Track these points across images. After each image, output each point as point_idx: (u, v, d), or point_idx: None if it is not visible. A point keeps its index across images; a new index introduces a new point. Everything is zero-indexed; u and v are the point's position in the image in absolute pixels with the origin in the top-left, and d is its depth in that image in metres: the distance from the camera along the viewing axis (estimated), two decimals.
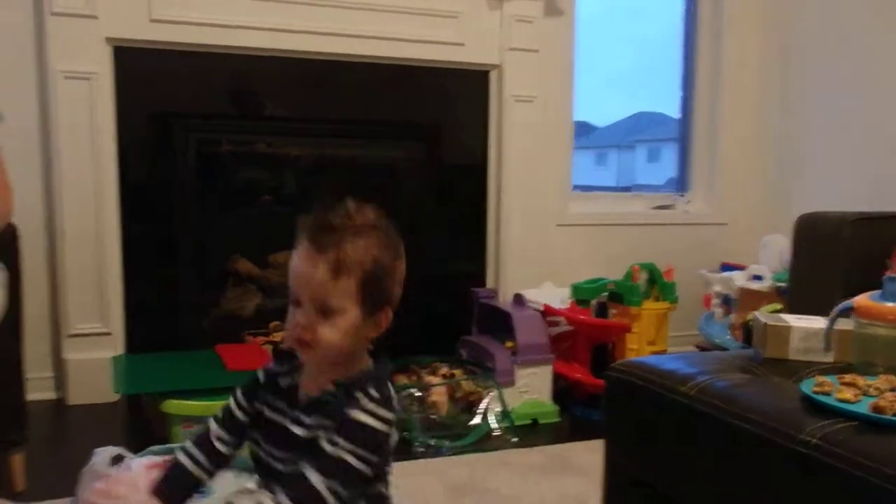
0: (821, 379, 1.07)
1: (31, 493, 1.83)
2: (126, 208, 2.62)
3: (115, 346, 2.57)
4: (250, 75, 2.82)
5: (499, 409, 2.49)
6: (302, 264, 1.23)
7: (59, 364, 2.57)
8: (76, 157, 2.50)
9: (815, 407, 1.00)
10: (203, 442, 1.30)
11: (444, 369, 2.59)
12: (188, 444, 1.30)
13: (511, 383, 2.59)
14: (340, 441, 1.17)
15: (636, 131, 7.57)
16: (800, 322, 1.26)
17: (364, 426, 1.18)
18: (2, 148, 1.73)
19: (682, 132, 3.88)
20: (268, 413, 1.27)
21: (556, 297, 2.93)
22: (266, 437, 1.27)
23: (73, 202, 2.51)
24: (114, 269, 2.59)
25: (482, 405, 2.48)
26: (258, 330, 2.71)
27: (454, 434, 2.37)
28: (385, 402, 1.22)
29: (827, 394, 1.03)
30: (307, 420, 1.23)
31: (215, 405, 2.04)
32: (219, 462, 1.30)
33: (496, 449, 2.32)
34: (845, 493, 0.86)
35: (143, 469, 1.70)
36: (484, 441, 2.37)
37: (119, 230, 2.60)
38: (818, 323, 1.26)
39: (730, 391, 1.06)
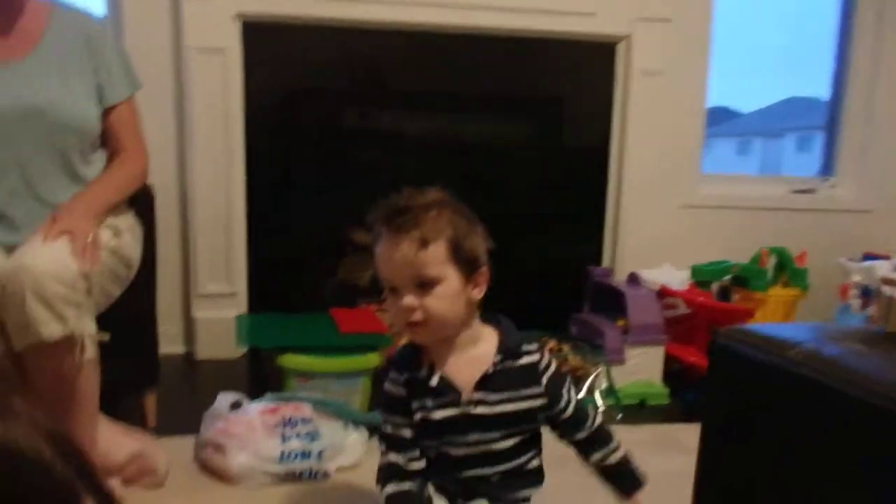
0: None
1: (162, 429, 2.03)
2: (252, 177, 2.81)
3: (239, 306, 2.78)
4: (374, 49, 2.91)
5: (605, 385, 2.55)
6: (387, 250, 1.30)
7: (188, 321, 2.81)
8: (208, 127, 2.70)
9: None
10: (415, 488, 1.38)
11: (553, 344, 2.67)
12: (403, 477, 1.38)
13: (621, 362, 2.61)
14: (567, 393, 1.40)
15: (785, 118, 7.18)
16: None
17: (559, 372, 1.42)
18: (139, 114, 1.98)
19: (832, 113, 3.72)
20: (438, 414, 1.35)
21: (675, 278, 2.92)
22: (446, 430, 1.35)
23: (205, 171, 2.72)
24: (240, 235, 2.79)
25: (588, 381, 2.55)
26: (372, 299, 2.89)
27: None
28: (534, 342, 1.42)
29: None
30: (494, 397, 1.35)
31: (328, 362, 2.25)
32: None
33: None
34: None
35: (257, 413, 1.91)
36: None
37: (245, 198, 2.79)
38: None
39: (840, 358, 1.00)
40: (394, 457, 1.38)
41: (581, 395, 2.49)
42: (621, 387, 2.57)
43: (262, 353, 2.50)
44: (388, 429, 1.39)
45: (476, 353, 1.39)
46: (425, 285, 1.30)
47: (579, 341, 2.70)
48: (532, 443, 1.43)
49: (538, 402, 1.38)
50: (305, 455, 1.83)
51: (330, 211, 3.01)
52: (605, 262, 3.25)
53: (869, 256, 3.21)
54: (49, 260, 1.54)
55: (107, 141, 1.88)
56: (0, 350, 1.57)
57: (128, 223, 1.87)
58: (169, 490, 1.75)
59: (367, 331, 2.37)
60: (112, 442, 1.74)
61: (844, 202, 3.54)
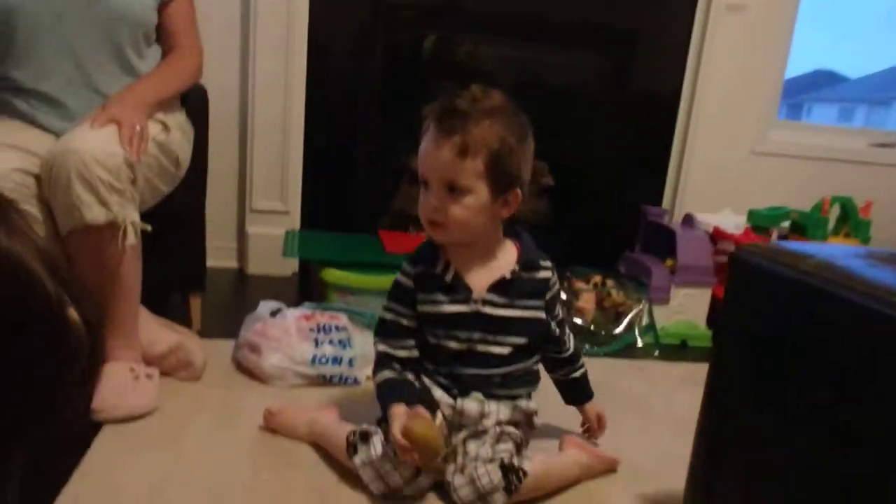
0: None
1: (206, 332, 2.10)
2: (312, 96, 2.81)
3: (292, 224, 2.83)
4: None
5: (646, 322, 2.52)
6: (429, 147, 1.34)
7: (241, 236, 2.88)
8: (271, 45, 2.70)
9: None
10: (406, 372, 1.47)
11: (597, 279, 2.65)
12: (390, 361, 1.47)
13: (665, 301, 2.57)
14: (559, 310, 1.55)
15: (893, 85, 6.74)
16: None
17: (559, 288, 1.56)
18: (195, 12, 1.98)
19: None
20: (449, 308, 1.43)
21: (732, 223, 2.86)
22: (453, 323, 1.44)
23: (265, 89, 2.74)
24: (296, 154, 2.82)
25: (629, 317, 2.53)
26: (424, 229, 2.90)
27: (598, 342, 2.43)
28: (549, 259, 1.52)
29: None
30: (502, 300, 1.44)
31: (369, 279, 2.28)
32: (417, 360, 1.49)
33: (636, 358, 2.35)
34: None
35: (294, 318, 1.96)
36: (626, 351, 2.40)
37: (304, 118, 2.81)
38: None
39: (849, 268, 0.98)
40: (387, 345, 1.47)
41: (620, 329, 2.48)
42: (664, 326, 2.54)
43: (310, 271, 2.56)
44: (388, 315, 1.47)
45: (494, 261, 1.46)
46: (454, 191, 1.34)
47: (625, 278, 2.68)
48: (530, 351, 1.51)
49: (539, 314, 1.49)
50: (337, 361, 1.87)
51: (392, 137, 3.01)
52: (666, 203, 3.19)
53: None
54: (95, 145, 1.59)
55: (162, 36, 1.92)
56: (47, 232, 1.64)
57: (178, 121, 1.91)
58: (205, 383, 1.82)
59: (410, 252, 2.39)
60: (154, 333, 1.81)
61: None
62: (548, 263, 1.52)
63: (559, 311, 1.57)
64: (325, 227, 2.79)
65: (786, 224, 2.79)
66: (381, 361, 1.48)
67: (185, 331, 1.90)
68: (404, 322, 1.47)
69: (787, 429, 1.05)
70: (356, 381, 1.88)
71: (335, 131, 2.93)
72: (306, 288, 2.49)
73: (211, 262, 2.79)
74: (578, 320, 2.47)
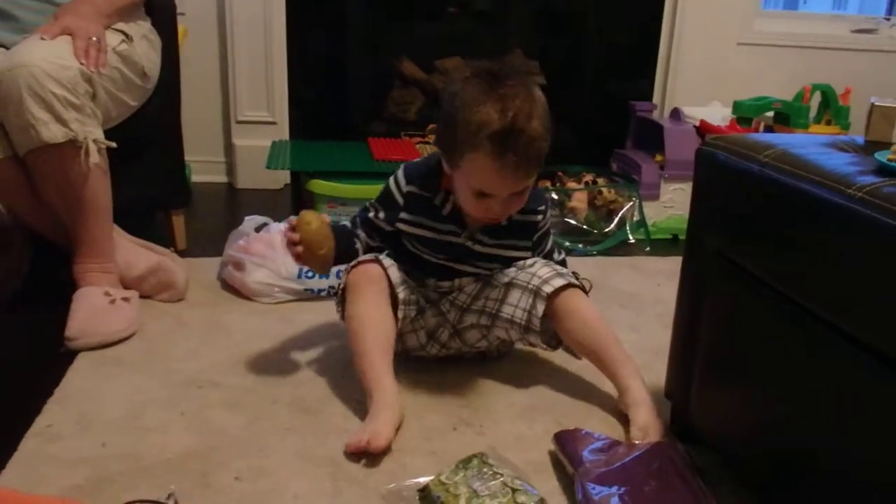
0: None
1: (193, 250, 1.91)
2: (294, 2, 2.51)
3: (281, 135, 2.56)
4: None
5: (636, 219, 2.31)
6: (501, 177, 1.14)
7: (229, 149, 2.61)
8: None
9: (882, 172, 0.84)
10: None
11: (589, 177, 2.43)
12: (349, 227, 1.34)
13: (655, 197, 2.35)
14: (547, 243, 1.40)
15: None
16: None
17: (548, 232, 1.40)
18: None
19: None
20: (439, 237, 1.28)
21: (719, 115, 2.62)
22: (438, 248, 1.29)
23: None
24: (280, 61, 2.53)
25: (620, 214, 2.31)
26: (416, 132, 2.65)
27: (591, 240, 2.22)
28: (545, 202, 1.37)
29: None
30: (491, 241, 1.30)
31: (357, 188, 2.05)
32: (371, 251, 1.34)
33: (628, 255, 2.16)
34: (882, 241, 0.75)
35: (279, 233, 1.73)
36: (619, 248, 2.19)
37: (286, 22, 2.51)
38: None
39: (801, 159, 0.91)
40: (362, 234, 1.34)
41: (612, 226, 2.27)
42: (655, 221, 2.33)
43: (301, 183, 2.34)
44: (370, 213, 1.33)
45: None
46: (520, 192, 1.20)
47: (617, 176, 2.45)
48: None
49: (523, 253, 1.36)
50: (324, 273, 1.66)
51: (381, 42, 2.73)
52: (656, 98, 2.91)
53: None
54: (46, 58, 1.35)
55: None
56: (3, 155, 1.40)
57: (141, 30, 1.65)
58: (189, 303, 1.61)
59: (400, 159, 2.15)
60: (131, 255, 1.59)
61: None
62: (541, 206, 1.35)
63: (547, 245, 1.41)
64: (316, 137, 2.51)
65: (770, 114, 2.54)
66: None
67: (165, 251, 1.67)
68: (383, 226, 1.32)
69: (754, 311, 0.99)
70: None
71: (321, 32, 2.62)
72: (298, 200, 2.26)
73: (199, 178, 2.57)
74: (571, 220, 2.25)
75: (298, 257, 1.24)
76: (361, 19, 2.68)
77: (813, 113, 2.57)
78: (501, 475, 0.96)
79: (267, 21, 2.49)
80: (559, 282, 1.28)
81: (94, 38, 1.44)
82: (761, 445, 0.98)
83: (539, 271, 1.31)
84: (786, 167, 0.92)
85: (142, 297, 1.56)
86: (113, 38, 1.53)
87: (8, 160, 1.42)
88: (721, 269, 1.05)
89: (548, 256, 1.40)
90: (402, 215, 1.29)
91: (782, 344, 0.92)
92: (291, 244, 1.23)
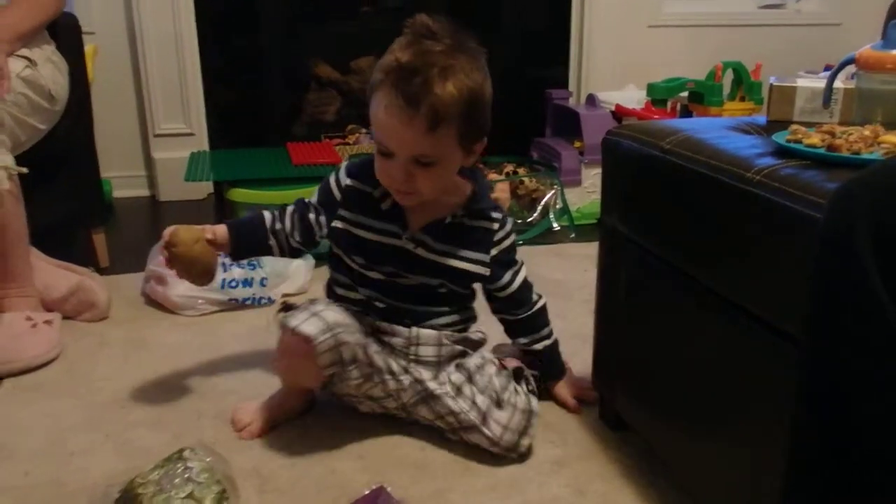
0: (795, 128, 0.90)
1: (117, 266, 1.94)
2: (204, 11, 2.55)
3: (200, 146, 2.60)
4: None
5: (559, 206, 2.43)
6: (390, 119, 1.07)
7: (150, 163, 2.65)
8: None
9: (780, 153, 0.87)
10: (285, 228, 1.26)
11: (510, 167, 2.53)
12: (276, 215, 1.26)
13: (577, 183, 2.46)
14: (511, 275, 1.28)
15: None
16: (809, 82, 1.10)
17: (511, 248, 1.28)
18: None
19: None
20: (378, 238, 1.20)
21: (635, 98, 2.75)
22: (378, 257, 1.20)
23: (151, 4, 2.47)
24: (194, 72, 2.57)
25: (543, 202, 2.42)
26: (336, 133, 2.72)
27: (516, 230, 2.33)
28: (502, 212, 1.27)
29: (798, 142, 0.87)
30: (438, 245, 1.20)
31: (277, 195, 2.10)
32: (292, 251, 1.27)
33: (554, 243, 2.25)
34: (777, 222, 0.78)
35: None
36: (543, 237, 2.29)
37: (196, 33, 2.56)
38: None
39: (701, 143, 0.94)
40: (287, 227, 1.25)
41: (535, 216, 2.38)
42: (580, 207, 2.44)
43: (224, 193, 2.39)
44: (310, 213, 1.24)
45: (439, 199, 1.20)
46: (425, 164, 1.10)
47: (538, 164, 2.56)
48: (455, 304, 1.27)
49: (478, 269, 1.24)
50: (247, 283, 1.73)
51: (295, 46, 2.79)
52: (572, 84, 3.03)
53: (829, 69, 2.97)
54: None
55: None
56: None
57: (45, 54, 1.68)
58: (113, 321, 1.66)
59: (319, 162, 2.22)
60: (50, 277, 1.64)
61: (812, 16, 3.27)
62: (498, 215, 1.25)
63: (513, 276, 1.28)
64: (236, 144, 2.56)
65: (685, 94, 2.68)
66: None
67: (85, 270, 1.72)
68: (312, 218, 1.24)
69: (662, 294, 1.04)
70: (270, 301, 1.74)
71: (236, 46, 2.68)
72: (222, 210, 2.31)
73: (121, 193, 2.61)
74: None
75: (176, 274, 1.25)
76: (274, 24, 2.73)
77: (727, 91, 2.70)
78: (191, 469, 1.01)
79: (177, 33, 2.53)
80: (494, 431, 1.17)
81: None
82: (676, 431, 1.03)
83: (478, 400, 1.19)
84: (687, 153, 0.95)
85: (64, 318, 1.61)
86: (16, 65, 1.57)
87: None
88: (631, 255, 1.10)
89: (520, 296, 1.29)
90: (340, 212, 1.22)
91: (689, 326, 0.96)
92: (167, 262, 1.22)
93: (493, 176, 2.44)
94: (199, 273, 1.24)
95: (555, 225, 2.37)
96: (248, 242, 1.27)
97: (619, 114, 2.58)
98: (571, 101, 2.72)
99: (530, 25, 2.98)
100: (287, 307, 1.22)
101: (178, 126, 2.60)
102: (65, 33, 1.80)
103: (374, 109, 1.10)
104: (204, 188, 2.60)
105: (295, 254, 1.30)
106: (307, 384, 1.24)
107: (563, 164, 2.46)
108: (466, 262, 1.22)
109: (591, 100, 2.62)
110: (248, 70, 2.74)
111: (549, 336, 1.33)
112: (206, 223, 2.00)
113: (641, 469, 1.15)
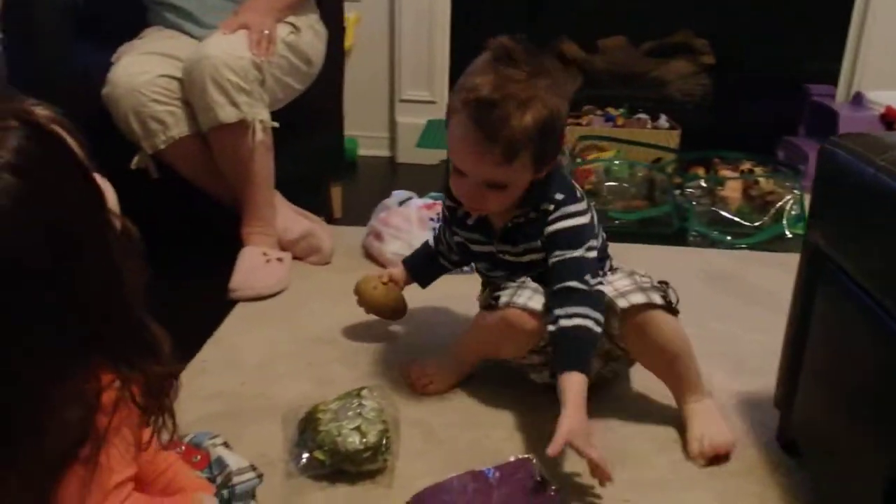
0: None
1: (349, 219, 2.15)
2: None
3: (439, 114, 2.78)
4: None
5: (796, 212, 2.25)
6: (468, 148, 1.12)
7: (393, 126, 2.84)
8: None
9: None
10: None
11: (747, 166, 2.39)
12: (437, 237, 1.43)
13: None
14: (562, 251, 1.19)
15: None
16: None
17: (567, 230, 1.20)
18: None
19: None
20: (475, 247, 1.31)
21: None
22: (486, 264, 1.32)
23: None
24: (443, 44, 2.72)
25: (777, 206, 2.26)
26: (570, 112, 2.73)
27: (741, 233, 2.18)
28: (571, 195, 1.22)
29: None
30: (511, 248, 1.26)
31: None
32: (457, 265, 1.47)
33: (781, 251, 2.07)
34: None
35: (416, 208, 1.93)
36: (771, 243, 2.14)
37: (451, 9, 2.70)
38: None
39: None
40: (443, 249, 1.43)
41: (765, 219, 2.24)
42: None
43: None
44: (438, 229, 1.43)
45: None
46: (497, 187, 1.16)
47: (781, 165, 2.40)
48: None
49: (538, 256, 1.25)
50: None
51: (541, 23, 2.84)
52: (842, 80, 2.73)
53: None
54: (225, 50, 1.63)
55: None
56: (191, 131, 1.70)
57: (308, 22, 1.88)
58: (333, 267, 1.85)
59: None
60: (289, 221, 1.86)
61: None
62: (550, 206, 1.21)
63: (561, 252, 1.21)
64: None
65: None
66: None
67: (317, 219, 1.93)
68: (445, 236, 1.41)
69: (851, 318, 0.95)
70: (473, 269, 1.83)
71: (482, 21, 2.79)
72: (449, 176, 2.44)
73: (366, 151, 2.85)
74: (722, 210, 2.25)
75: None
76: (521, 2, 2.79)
77: None
78: (364, 406, 1.14)
79: (432, 8, 2.69)
80: (638, 298, 1.18)
81: (266, 31, 1.70)
82: (849, 472, 0.94)
83: (617, 283, 1.22)
84: None
85: (294, 258, 1.82)
86: (282, 30, 1.78)
87: (194, 137, 1.72)
88: (828, 273, 1.03)
89: (559, 267, 1.21)
90: (453, 227, 1.34)
91: (876, 357, 0.89)
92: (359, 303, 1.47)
93: (725, 173, 2.33)
94: (389, 313, 1.49)
95: (787, 233, 2.20)
96: (426, 271, 1.47)
97: (888, 118, 2.33)
98: (833, 99, 2.50)
99: (805, 8, 2.74)
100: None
101: (421, 93, 2.77)
102: (328, 4, 1.99)
103: (451, 131, 1.15)
104: (437, 154, 2.75)
105: (461, 266, 1.48)
106: (509, 355, 1.32)
107: (809, 167, 2.28)
108: (532, 254, 1.25)
109: (858, 98, 2.39)
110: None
111: (584, 316, 1.15)
112: (432, 188, 2.16)
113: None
